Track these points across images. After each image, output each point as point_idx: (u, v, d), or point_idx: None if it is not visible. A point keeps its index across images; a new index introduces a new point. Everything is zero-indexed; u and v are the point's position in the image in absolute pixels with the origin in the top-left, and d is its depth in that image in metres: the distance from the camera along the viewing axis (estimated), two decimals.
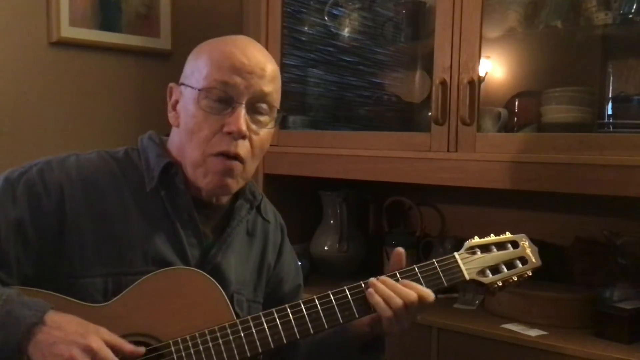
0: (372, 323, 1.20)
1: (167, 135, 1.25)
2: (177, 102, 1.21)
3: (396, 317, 1.13)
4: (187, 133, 1.17)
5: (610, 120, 1.77)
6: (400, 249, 1.23)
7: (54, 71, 2.12)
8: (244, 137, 1.15)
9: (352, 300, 1.15)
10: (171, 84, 1.24)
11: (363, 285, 1.17)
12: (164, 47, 2.34)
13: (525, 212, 1.97)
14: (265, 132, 1.19)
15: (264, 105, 1.18)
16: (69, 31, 2.10)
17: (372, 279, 1.17)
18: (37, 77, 2.09)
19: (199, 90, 1.15)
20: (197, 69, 1.17)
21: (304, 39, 2.20)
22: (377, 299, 1.14)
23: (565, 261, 1.84)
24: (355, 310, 1.15)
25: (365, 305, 1.15)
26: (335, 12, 2.16)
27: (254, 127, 1.17)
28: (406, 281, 1.17)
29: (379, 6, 2.12)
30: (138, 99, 2.33)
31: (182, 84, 1.20)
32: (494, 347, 1.61)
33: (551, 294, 1.69)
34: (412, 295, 1.14)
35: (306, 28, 2.21)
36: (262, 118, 1.18)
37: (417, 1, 2.03)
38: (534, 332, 1.60)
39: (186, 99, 1.18)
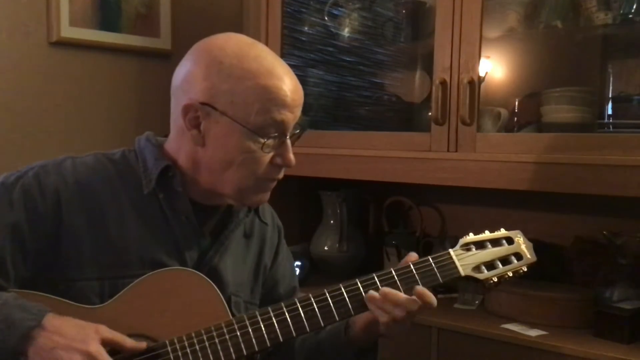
0: (366, 328, 1.20)
1: (165, 136, 1.24)
2: (199, 122, 1.13)
3: (394, 321, 1.13)
4: (229, 163, 1.14)
5: (610, 120, 1.77)
6: (414, 255, 1.22)
7: (54, 71, 2.12)
8: None
9: (348, 298, 1.15)
10: (189, 102, 1.12)
11: (361, 286, 1.16)
12: (164, 47, 2.34)
13: (525, 212, 1.97)
14: None
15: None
16: (69, 31, 2.10)
17: (372, 292, 1.14)
18: (37, 77, 2.09)
19: (251, 130, 1.11)
20: (241, 101, 1.11)
21: (304, 39, 2.20)
22: (377, 311, 1.14)
23: (565, 261, 1.84)
24: (350, 307, 1.14)
25: (362, 303, 1.15)
26: (335, 12, 2.15)
27: None
28: (414, 290, 1.15)
29: (379, 6, 2.12)
30: (138, 99, 2.33)
31: (211, 107, 1.11)
32: (494, 347, 1.61)
33: (551, 294, 1.69)
34: (416, 305, 1.13)
35: (306, 28, 2.21)
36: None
37: (417, 1, 2.02)
38: (534, 332, 1.60)
39: (225, 128, 1.12)
